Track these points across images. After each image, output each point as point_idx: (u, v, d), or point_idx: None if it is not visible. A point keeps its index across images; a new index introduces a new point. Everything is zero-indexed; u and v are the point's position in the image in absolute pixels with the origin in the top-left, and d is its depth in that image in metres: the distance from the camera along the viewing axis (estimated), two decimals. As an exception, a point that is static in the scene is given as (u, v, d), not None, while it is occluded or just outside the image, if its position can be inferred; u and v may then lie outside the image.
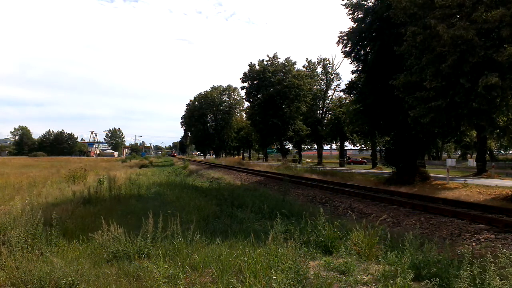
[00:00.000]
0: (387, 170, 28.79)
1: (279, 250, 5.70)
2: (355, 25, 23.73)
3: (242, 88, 55.75)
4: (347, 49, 24.59)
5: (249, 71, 54.17)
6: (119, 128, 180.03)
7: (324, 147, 65.25)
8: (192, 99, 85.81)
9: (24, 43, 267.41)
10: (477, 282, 4.48)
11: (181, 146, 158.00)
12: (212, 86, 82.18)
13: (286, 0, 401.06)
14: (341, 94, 51.63)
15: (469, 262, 4.61)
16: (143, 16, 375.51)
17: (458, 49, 13.14)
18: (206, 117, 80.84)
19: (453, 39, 12.96)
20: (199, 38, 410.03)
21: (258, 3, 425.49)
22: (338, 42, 24.70)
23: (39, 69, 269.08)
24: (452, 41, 13.10)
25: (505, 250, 4.79)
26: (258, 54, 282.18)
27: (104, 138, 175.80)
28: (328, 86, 56.20)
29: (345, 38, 24.25)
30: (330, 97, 56.18)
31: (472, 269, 4.50)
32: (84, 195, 13.57)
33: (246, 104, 66.05)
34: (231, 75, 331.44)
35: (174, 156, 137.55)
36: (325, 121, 55.45)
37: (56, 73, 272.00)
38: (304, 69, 56.09)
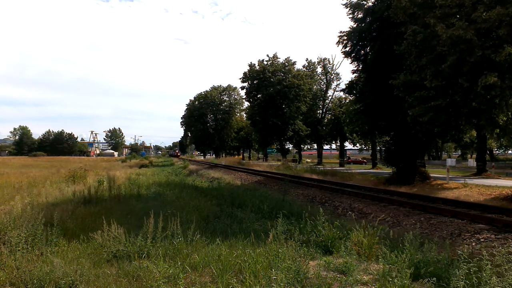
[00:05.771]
0: (387, 170, 28.77)
1: (279, 250, 5.70)
2: (355, 25, 23.74)
3: (242, 88, 55.69)
4: (347, 49, 24.59)
5: (249, 71, 54.08)
6: (119, 128, 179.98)
7: (324, 147, 65.33)
8: (192, 99, 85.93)
9: (22, 43, 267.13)
10: (474, 281, 4.49)
11: (181, 146, 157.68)
12: (212, 86, 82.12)
13: (282, 0, 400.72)
14: (341, 94, 51.73)
15: (465, 261, 4.63)
16: (139, 15, 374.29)
17: (457, 49, 13.15)
18: (206, 117, 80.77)
19: (452, 39, 12.98)
20: (195, 38, 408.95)
21: (254, 3, 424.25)
22: (338, 42, 24.71)
23: (37, 69, 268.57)
24: (451, 41, 13.11)
25: (500, 248, 4.80)
26: (256, 54, 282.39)
27: (104, 138, 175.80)
28: (328, 86, 56.24)
29: (345, 38, 24.26)
30: (330, 97, 56.26)
31: (468, 266, 4.52)
32: (84, 195, 13.59)
33: (246, 104, 66.09)
34: (229, 75, 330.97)
35: (177, 156, 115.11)
36: (325, 121, 55.47)
37: (54, 73, 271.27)
38: (304, 69, 56.06)
